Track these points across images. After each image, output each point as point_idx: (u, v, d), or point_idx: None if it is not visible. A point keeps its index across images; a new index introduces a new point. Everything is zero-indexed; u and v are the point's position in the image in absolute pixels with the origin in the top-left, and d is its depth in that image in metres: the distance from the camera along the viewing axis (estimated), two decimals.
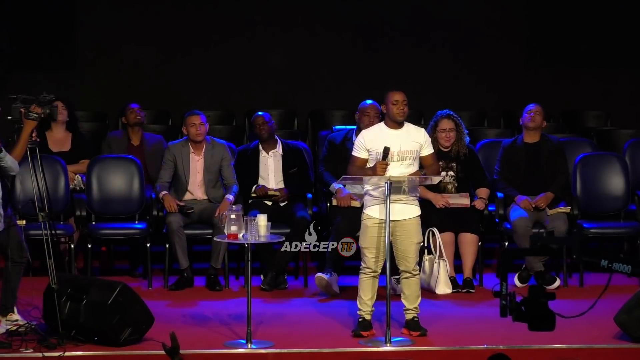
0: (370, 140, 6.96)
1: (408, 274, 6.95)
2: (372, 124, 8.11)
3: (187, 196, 8.70)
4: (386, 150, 6.83)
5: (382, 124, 7.07)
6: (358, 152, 7.01)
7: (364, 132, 7.12)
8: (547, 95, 10.97)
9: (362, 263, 7.01)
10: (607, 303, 7.78)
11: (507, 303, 4.92)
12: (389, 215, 6.75)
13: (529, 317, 4.83)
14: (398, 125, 6.97)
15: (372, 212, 6.94)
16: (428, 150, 7.05)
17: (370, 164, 6.95)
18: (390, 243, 6.86)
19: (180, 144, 8.75)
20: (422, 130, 7.17)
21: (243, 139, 10.26)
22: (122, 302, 6.68)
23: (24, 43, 10.83)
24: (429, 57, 11.42)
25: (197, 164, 8.68)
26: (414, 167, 6.98)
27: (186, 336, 6.70)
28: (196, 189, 8.70)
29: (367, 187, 6.96)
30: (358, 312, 7.00)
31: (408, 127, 7.03)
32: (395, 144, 6.89)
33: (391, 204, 6.78)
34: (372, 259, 6.92)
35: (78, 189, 8.88)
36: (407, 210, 6.96)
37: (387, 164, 6.82)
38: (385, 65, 11.34)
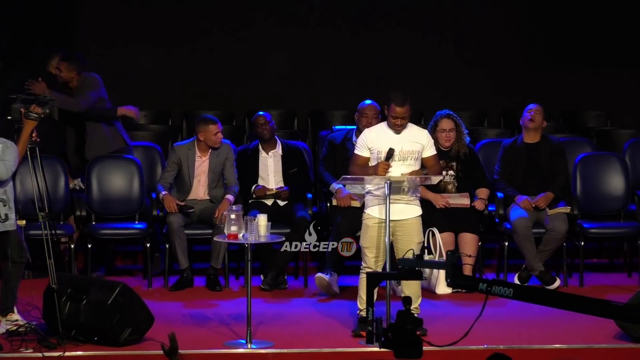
0: (372, 140, 6.98)
1: None
2: (370, 124, 8.16)
3: (189, 196, 8.69)
4: (390, 152, 6.85)
5: (384, 123, 7.07)
6: (360, 150, 7.02)
7: (366, 131, 7.14)
8: (547, 95, 10.96)
9: (362, 263, 7.02)
10: None
11: (373, 329, 4.79)
12: (389, 215, 6.76)
13: (395, 344, 4.70)
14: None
15: (373, 212, 6.95)
16: (430, 151, 7.06)
17: (372, 163, 6.96)
18: (391, 243, 6.87)
19: (187, 145, 8.72)
20: (425, 131, 7.18)
21: (243, 139, 10.26)
22: (122, 302, 6.68)
23: (24, 43, 10.82)
24: (429, 57, 11.42)
25: (202, 165, 8.66)
26: (415, 168, 6.98)
27: (186, 336, 6.70)
28: (199, 189, 8.70)
29: (369, 187, 6.96)
30: (358, 312, 7.00)
31: (411, 127, 7.04)
32: (397, 144, 6.91)
33: (392, 204, 6.79)
34: (372, 259, 6.93)
35: (78, 188, 8.88)
36: (408, 210, 6.97)
37: (389, 165, 6.83)
38: (385, 65, 11.33)
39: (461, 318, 7.49)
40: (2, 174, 6.70)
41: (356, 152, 7.06)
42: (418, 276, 5.09)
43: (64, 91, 8.81)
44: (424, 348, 4.90)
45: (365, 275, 6.95)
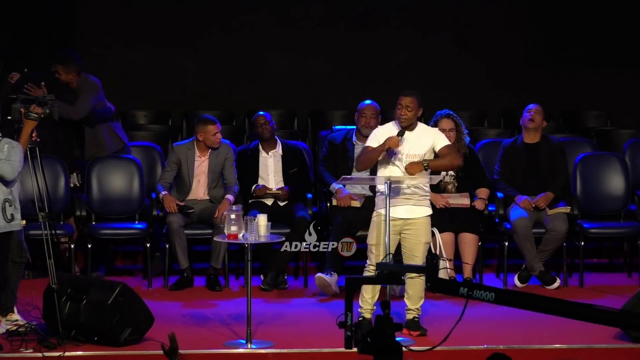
0: (383, 135, 6.97)
1: (414, 274, 6.95)
2: (368, 124, 8.26)
3: (189, 196, 8.68)
4: (402, 132, 6.86)
5: (396, 121, 7.06)
6: (371, 142, 7.04)
7: (379, 127, 7.18)
8: (547, 95, 10.96)
9: (367, 260, 7.02)
10: (607, 303, 7.80)
11: (352, 334, 4.74)
12: (389, 213, 6.76)
13: (375, 349, 4.64)
14: (411, 127, 6.99)
15: (383, 209, 6.94)
16: (442, 143, 7.03)
17: (381, 161, 6.95)
18: (398, 243, 6.90)
19: (186, 145, 8.72)
20: (433, 129, 7.22)
21: (243, 139, 10.26)
22: (122, 302, 6.68)
23: (24, 43, 10.82)
24: (429, 57, 11.42)
25: (202, 165, 8.66)
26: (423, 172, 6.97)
27: (186, 336, 6.70)
28: (199, 189, 8.70)
29: (380, 187, 6.95)
30: (359, 310, 7.00)
31: (420, 128, 7.04)
32: (404, 146, 6.92)
33: (402, 203, 6.84)
34: (378, 256, 6.93)
35: (72, 185, 8.85)
36: (417, 210, 6.98)
37: (399, 140, 6.82)
38: (385, 65, 11.34)
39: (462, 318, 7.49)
40: (8, 174, 6.69)
41: (367, 143, 7.07)
42: (397, 280, 5.06)
43: (67, 92, 8.78)
44: (406, 348, 4.88)
45: (368, 274, 6.95)
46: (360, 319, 6.97)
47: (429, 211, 7.06)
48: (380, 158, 6.94)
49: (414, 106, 6.93)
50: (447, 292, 4.76)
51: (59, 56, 9.02)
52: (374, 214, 7.05)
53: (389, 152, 6.88)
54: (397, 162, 6.91)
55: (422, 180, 6.95)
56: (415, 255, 6.94)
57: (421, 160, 6.94)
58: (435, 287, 4.82)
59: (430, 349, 5.54)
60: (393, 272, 5.03)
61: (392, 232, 6.85)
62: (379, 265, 5.12)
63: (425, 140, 7.00)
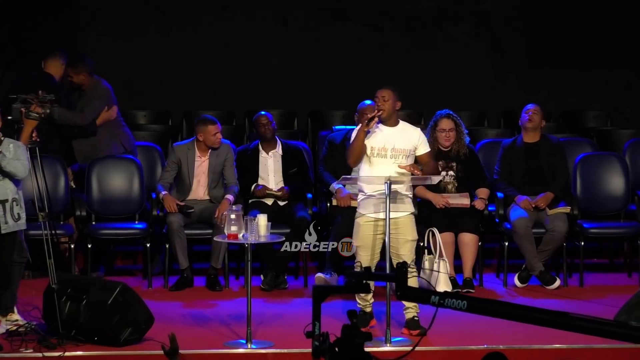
0: (368, 135, 6.97)
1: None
2: None
3: (189, 196, 8.68)
4: (372, 118, 6.91)
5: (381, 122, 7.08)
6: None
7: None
8: (547, 95, 10.97)
9: (356, 261, 7.01)
10: (607, 303, 7.81)
11: (319, 344, 4.70)
12: (389, 214, 6.76)
13: (343, 359, 4.59)
14: (393, 122, 7.01)
15: (365, 210, 6.96)
16: (424, 149, 7.08)
17: (366, 159, 6.97)
18: (384, 241, 6.91)
19: (186, 145, 8.72)
20: (418, 130, 7.19)
21: (243, 139, 10.27)
22: (122, 302, 6.68)
23: (24, 42, 10.82)
24: (428, 57, 11.43)
25: (202, 165, 8.66)
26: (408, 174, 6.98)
27: (186, 336, 6.71)
28: (199, 189, 8.70)
29: (362, 185, 6.96)
30: (357, 306, 7.02)
31: (404, 125, 7.07)
32: (389, 142, 6.94)
33: (383, 202, 6.82)
34: (366, 257, 6.95)
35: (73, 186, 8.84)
36: (399, 208, 6.97)
37: (374, 109, 6.94)
38: (385, 65, 11.34)
39: (461, 318, 7.48)
40: (21, 172, 6.69)
41: (351, 137, 7.12)
42: (365, 289, 5.03)
43: (65, 97, 8.72)
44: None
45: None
46: (360, 313, 6.98)
47: (412, 208, 7.07)
48: (365, 140, 6.93)
49: (389, 97, 6.97)
50: (418, 300, 4.72)
51: (67, 59, 8.97)
52: (357, 215, 7.06)
53: (369, 130, 6.92)
54: (382, 158, 6.92)
55: (407, 180, 6.97)
56: (402, 254, 6.92)
57: (419, 165, 7.00)
58: (405, 295, 4.78)
59: (401, 357, 5.50)
60: (361, 281, 4.98)
61: (376, 233, 6.89)
62: (348, 274, 5.08)
63: (411, 138, 7.02)
